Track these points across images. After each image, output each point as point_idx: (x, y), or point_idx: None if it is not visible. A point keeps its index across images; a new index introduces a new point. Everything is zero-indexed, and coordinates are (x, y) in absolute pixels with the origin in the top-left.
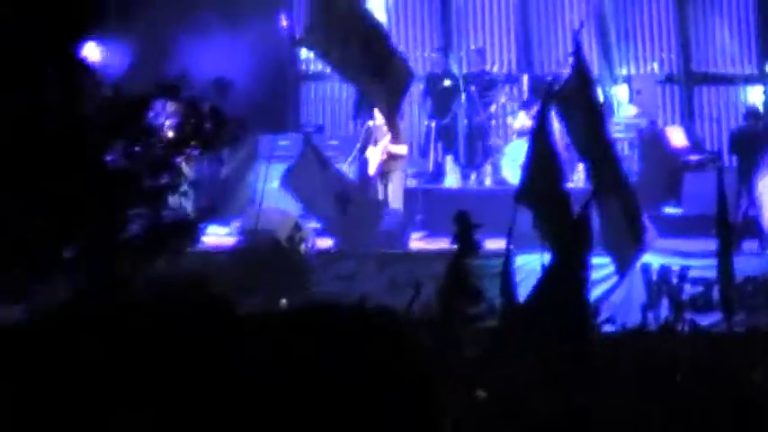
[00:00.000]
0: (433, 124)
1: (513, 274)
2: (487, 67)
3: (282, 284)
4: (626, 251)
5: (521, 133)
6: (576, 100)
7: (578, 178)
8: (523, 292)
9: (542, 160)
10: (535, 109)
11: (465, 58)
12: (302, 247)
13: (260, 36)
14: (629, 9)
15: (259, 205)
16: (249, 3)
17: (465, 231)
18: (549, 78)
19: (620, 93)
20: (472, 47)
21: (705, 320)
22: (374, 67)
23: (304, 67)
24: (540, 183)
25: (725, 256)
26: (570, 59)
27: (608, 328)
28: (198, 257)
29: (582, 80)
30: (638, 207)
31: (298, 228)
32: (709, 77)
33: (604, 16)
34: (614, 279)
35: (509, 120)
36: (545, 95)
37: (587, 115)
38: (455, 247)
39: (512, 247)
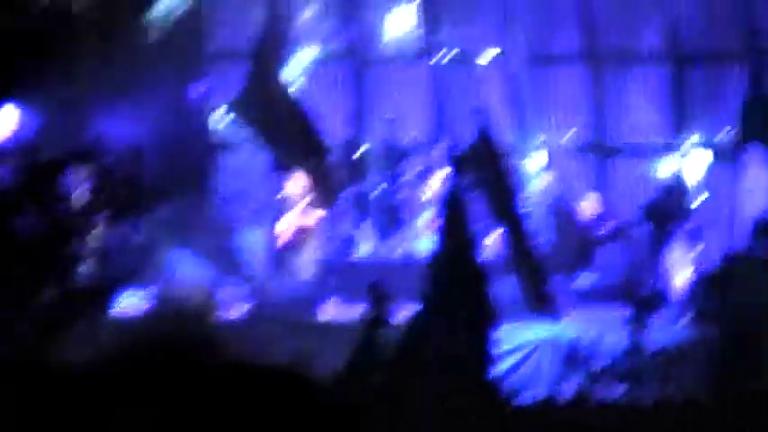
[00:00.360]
0: (346, 193)
1: (427, 343)
2: (400, 137)
3: (197, 353)
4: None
5: (431, 203)
6: (488, 170)
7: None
8: None
9: (455, 230)
10: (448, 179)
11: (378, 129)
12: (213, 315)
13: (175, 104)
14: (544, 79)
15: (173, 273)
16: (165, 71)
17: (378, 302)
18: (463, 149)
19: (533, 163)
20: (385, 116)
21: (616, 392)
22: (297, 134)
23: (218, 135)
24: (452, 252)
25: (636, 328)
26: (482, 130)
27: (518, 400)
28: (111, 324)
29: (493, 150)
30: (546, 276)
31: (210, 296)
32: (622, 149)
33: (519, 87)
34: (525, 350)
35: (421, 189)
36: (457, 166)
37: (499, 186)
38: (367, 317)
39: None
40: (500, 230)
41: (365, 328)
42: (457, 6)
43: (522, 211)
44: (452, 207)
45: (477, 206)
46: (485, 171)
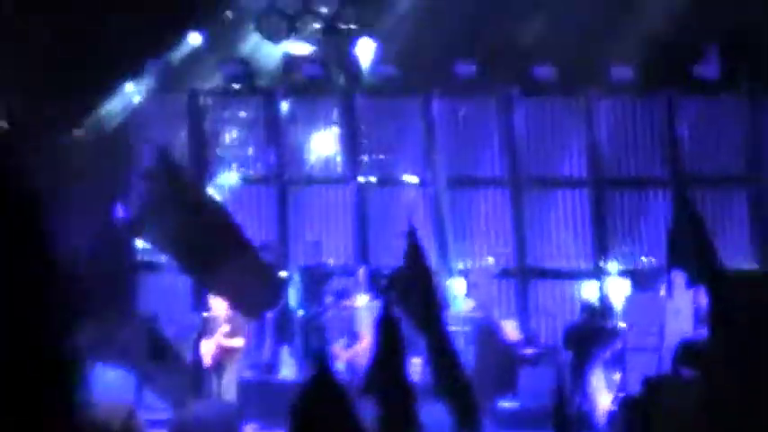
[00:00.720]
0: (269, 315)
1: None
2: (324, 260)
3: None
4: None
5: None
6: (414, 292)
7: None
8: None
9: (387, 351)
10: (373, 301)
11: (301, 250)
12: None
13: (96, 225)
14: (466, 204)
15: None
16: (85, 191)
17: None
18: (386, 271)
19: (456, 286)
20: (308, 239)
21: None
22: (218, 255)
23: (140, 257)
24: (384, 374)
25: None
26: (409, 252)
27: None
28: None
29: (420, 272)
30: (475, 401)
31: (131, 416)
32: (544, 272)
33: (441, 211)
34: None
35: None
36: (387, 287)
37: (425, 308)
38: None
39: None
40: (427, 353)
41: None
42: (379, 131)
43: (449, 335)
44: (385, 329)
45: (405, 329)
46: (414, 293)
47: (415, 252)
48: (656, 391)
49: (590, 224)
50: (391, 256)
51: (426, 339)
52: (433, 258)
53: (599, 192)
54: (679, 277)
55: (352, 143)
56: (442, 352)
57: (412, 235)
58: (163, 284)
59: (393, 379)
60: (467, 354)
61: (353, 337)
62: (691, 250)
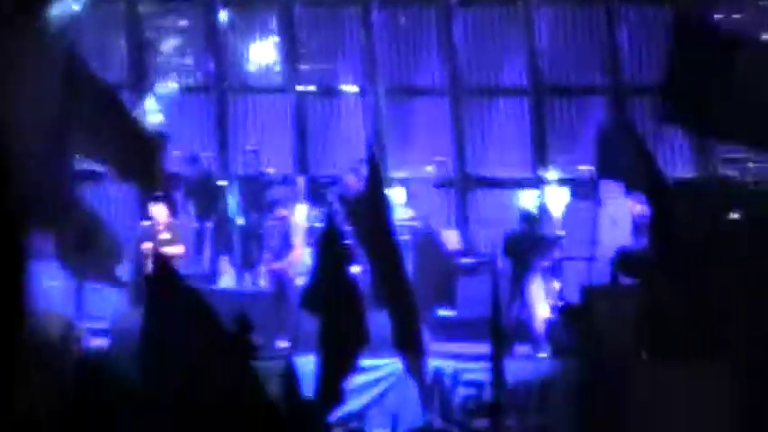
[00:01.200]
0: (208, 225)
1: (296, 375)
2: (263, 169)
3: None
4: (412, 353)
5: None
6: (366, 204)
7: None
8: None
9: (328, 265)
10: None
11: (240, 160)
12: (75, 346)
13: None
14: (406, 113)
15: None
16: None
17: (243, 332)
18: (326, 180)
19: (395, 195)
20: (248, 148)
21: (478, 424)
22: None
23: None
24: (324, 288)
25: (497, 360)
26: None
27: None
28: None
29: (376, 186)
30: (414, 310)
31: (70, 327)
32: (484, 181)
33: (380, 120)
34: (387, 383)
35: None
36: (340, 201)
37: (377, 219)
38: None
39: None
40: (370, 263)
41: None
42: (318, 40)
43: (395, 245)
44: (327, 236)
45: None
46: (368, 217)
47: (374, 178)
48: (594, 299)
49: (530, 132)
50: (330, 166)
51: (373, 250)
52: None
53: (539, 100)
54: (616, 186)
55: (291, 52)
56: (387, 262)
57: (372, 160)
58: (104, 194)
59: (336, 290)
60: (406, 263)
61: (287, 247)
62: (625, 159)
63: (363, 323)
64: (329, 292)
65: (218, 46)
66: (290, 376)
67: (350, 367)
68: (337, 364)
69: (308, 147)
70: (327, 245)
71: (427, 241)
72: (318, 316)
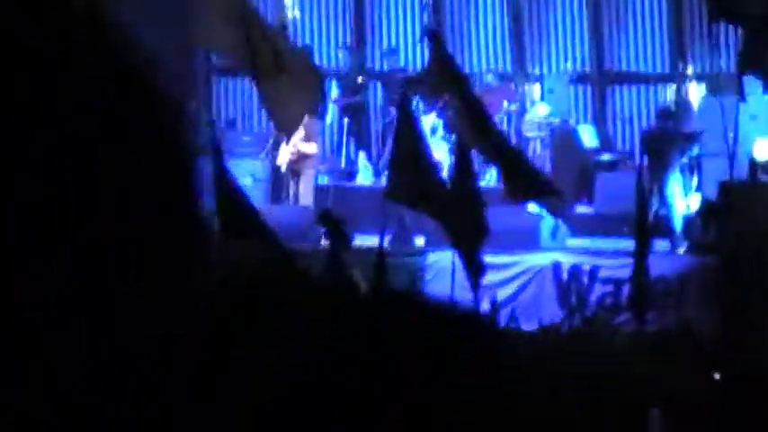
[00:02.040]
0: (346, 122)
1: (386, 268)
2: (401, 66)
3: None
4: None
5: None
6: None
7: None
8: (436, 288)
9: (409, 158)
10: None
11: (379, 56)
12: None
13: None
14: (543, 9)
15: None
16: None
17: (333, 228)
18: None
19: (532, 91)
20: (385, 45)
21: (616, 319)
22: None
23: (214, 60)
24: (409, 180)
25: (640, 256)
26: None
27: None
28: None
29: (449, 74)
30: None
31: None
32: (621, 77)
33: (519, 16)
34: (523, 279)
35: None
36: (406, 89)
37: (467, 110)
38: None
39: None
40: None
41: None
42: None
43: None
44: (404, 135)
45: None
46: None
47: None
48: (732, 195)
49: (668, 28)
50: (468, 63)
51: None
52: (509, 63)
53: None
54: (756, 81)
55: None
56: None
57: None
58: (238, 89)
59: (421, 184)
60: (544, 159)
61: None
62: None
63: (472, 217)
64: (413, 186)
65: None
66: (423, 271)
67: (472, 262)
68: (462, 258)
69: (447, 43)
70: (405, 138)
71: (565, 137)
72: (410, 208)
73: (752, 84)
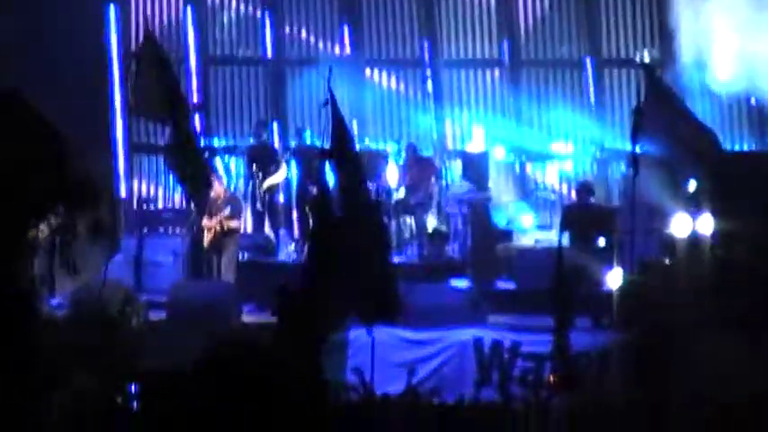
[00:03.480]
0: (267, 198)
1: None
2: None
3: (112, 356)
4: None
5: None
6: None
7: None
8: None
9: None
10: None
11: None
12: (134, 319)
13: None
14: None
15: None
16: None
17: (286, 304)
18: None
19: (453, 166)
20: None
21: (537, 394)
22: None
23: (135, 138)
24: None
25: (561, 332)
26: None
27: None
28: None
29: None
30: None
31: (129, 299)
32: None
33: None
34: (445, 355)
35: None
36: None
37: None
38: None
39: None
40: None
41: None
42: None
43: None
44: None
45: None
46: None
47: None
48: (651, 271)
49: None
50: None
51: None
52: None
53: None
54: None
55: None
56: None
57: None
58: (160, 166)
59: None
60: (465, 234)
61: None
62: None
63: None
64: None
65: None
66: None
67: None
68: None
69: None
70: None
71: (481, 213)
72: None
73: None
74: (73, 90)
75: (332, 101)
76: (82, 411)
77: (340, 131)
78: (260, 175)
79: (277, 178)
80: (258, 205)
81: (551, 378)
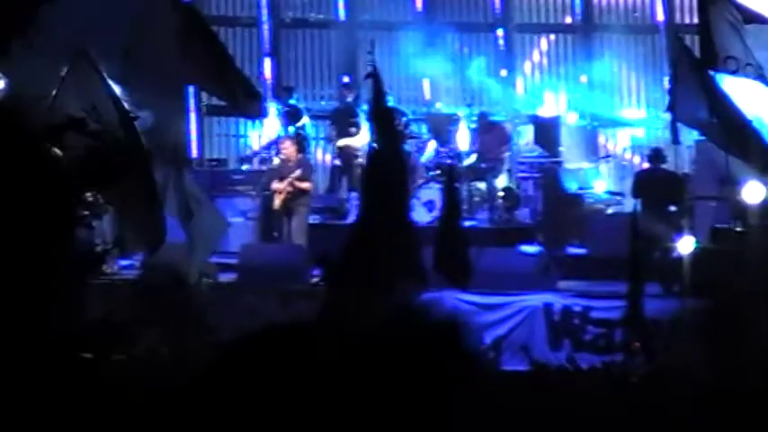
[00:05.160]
0: (338, 161)
1: None
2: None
3: (183, 318)
4: None
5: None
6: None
7: None
8: None
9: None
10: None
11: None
12: (204, 281)
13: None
14: None
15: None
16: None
17: (331, 269)
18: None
19: (525, 131)
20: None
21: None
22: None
23: (205, 100)
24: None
25: (635, 298)
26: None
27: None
28: (100, 289)
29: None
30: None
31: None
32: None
33: None
34: (516, 319)
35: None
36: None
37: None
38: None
39: None
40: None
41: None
42: None
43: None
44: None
45: None
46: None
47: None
48: (723, 239)
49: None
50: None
51: None
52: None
53: None
54: None
55: None
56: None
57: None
58: (230, 129)
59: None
60: (537, 200)
61: None
62: None
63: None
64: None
65: None
66: None
67: None
68: None
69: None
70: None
71: (552, 178)
72: None
73: None
74: None
75: (374, 75)
76: (153, 368)
77: (380, 108)
78: (337, 136)
79: (357, 141)
80: (336, 162)
81: (633, 344)
